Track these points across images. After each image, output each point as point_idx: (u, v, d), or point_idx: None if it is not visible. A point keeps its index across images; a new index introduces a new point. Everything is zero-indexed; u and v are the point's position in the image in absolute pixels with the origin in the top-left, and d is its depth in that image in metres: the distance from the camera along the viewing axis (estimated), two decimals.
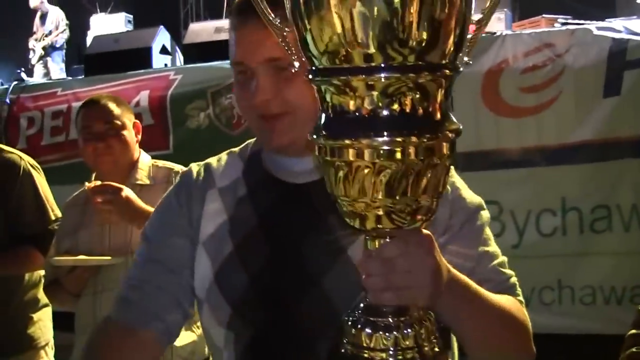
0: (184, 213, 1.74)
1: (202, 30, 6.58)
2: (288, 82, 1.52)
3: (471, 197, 1.65)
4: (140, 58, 6.52)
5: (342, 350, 1.20)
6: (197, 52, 6.35)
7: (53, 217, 3.48)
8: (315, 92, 1.10)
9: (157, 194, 2.96)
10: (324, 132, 1.06)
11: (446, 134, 1.04)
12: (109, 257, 2.99)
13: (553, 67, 4.47)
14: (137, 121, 3.20)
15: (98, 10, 12.93)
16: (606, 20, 5.01)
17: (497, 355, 1.56)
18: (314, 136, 1.08)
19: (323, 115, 1.08)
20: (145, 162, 3.21)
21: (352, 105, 1.03)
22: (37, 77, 11.12)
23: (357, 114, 1.02)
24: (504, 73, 4.58)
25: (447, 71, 1.03)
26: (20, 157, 3.49)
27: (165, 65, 6.76)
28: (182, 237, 1.72)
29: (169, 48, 6.93)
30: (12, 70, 11.82)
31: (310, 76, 1.07)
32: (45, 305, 3.62)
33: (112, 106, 3.10)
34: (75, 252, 3.11)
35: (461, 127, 1.06)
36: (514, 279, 1.63)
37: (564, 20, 6.22)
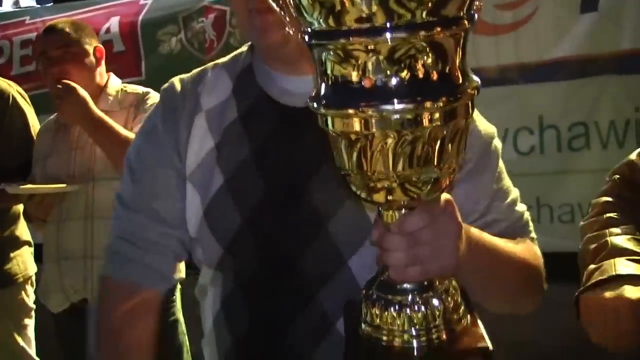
0: (171, 143, 1.57)
1: None
2: None
3: (486, 127, 1.58)
4: None
5: (361, 332, 1.12)
6: None
7: None
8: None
9: (122, 118, 2.94)
10: (324, 102, 0.96)
11: (467, 93, 0.94)
12: (64, 185, 2.95)
13: None
14: (100, 46, 3.15)
15: None
16: None
17: (510, 303, 1.59)
18: (314, 104, 0.97)
19: (323, 85, 0.97)
20: (113, 86, 3.16)
21: (354, 75, 0.91)
22: (6, 6, 10.90)
23: (361, 83, 0.91)
24: None
25: (466, 22, 0.93)
26: (9, 85, 3.49)
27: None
28: (170, 173, 1.57)
29: None
30: None
31: (306, 38, 0.95)
32: (26, 243, 3.61)
33: (70, 31, 3.05)
34: (44, 177, 3.09)
35: (480, 82, 0.98)
36: (527, 215, 1.63)
37: None
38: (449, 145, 0.97)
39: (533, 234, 1.64)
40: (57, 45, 3.06)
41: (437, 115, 0.92)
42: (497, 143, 1.60)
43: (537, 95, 4.35)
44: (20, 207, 3.57)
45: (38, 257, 3.62)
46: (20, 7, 10.07)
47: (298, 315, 1.46)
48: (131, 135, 2.86)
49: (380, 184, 0.99)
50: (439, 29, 0.89)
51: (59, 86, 2.93)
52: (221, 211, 1.50)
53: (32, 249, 3.70)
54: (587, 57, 4.27)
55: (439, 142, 0.95)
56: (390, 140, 0.93)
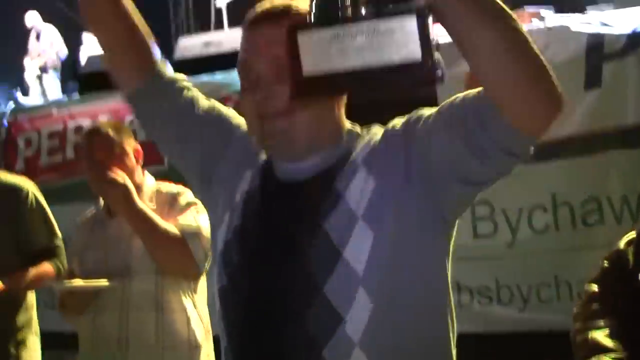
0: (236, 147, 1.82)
1: (192, 44, 6.65)
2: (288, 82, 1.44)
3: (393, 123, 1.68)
4: None
5: None
6: (188, 67, 6.35)
7: (58, 234, 3.80)
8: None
9: (157, 215, 3.10)
10: None
11: None
12: (106, 282, 3.09)
13: None
14: (139, 147, 3.32)
15: None
16: (584, 12, 5.09)
17: (514, 84, 1.37)
18: None
19: None
20: (149, 185, 3.32)
21: None
22: (34, 96, 11.25)
23: None
24: None
25: None
26: (26, 181, 3.78)
27: None
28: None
29: None
30: (8, 90, 11.93)
31: None
32: (35, 332, 3.80)
33: (113, 134, 3.22)
34: (82, 271, 3.23)
35: None
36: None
37: (545, 11, 6.25)
38: None
39: None
40: (102, 148, 3.23)
41: None
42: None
43: (548, 173, 4.44)
44: (33, 297, 3.79)
45: (68, 347, 3.75)
46: (47, 97, 10.46)
47: None
48: (171, 228, 3.01)
49: None
50: None
51: (109, 174, 3.09)
52: (230, 248, 1.73)
53: (38, 339, 3.86)
54: (594, 132, 4.38)
55: None
56: None
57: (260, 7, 1.69)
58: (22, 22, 12.15)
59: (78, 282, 3.17)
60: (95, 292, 3.14)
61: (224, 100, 5.28)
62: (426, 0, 1.21)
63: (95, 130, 3.33)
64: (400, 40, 1.16)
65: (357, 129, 1.72)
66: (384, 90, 1.23)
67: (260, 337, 1.64)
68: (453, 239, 1.66)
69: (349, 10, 1.22)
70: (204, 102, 1.85)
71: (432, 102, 1.62)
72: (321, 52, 1.19)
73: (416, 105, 1.61)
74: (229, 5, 8.95)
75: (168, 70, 1.87)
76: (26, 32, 12.26)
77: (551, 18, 5.35)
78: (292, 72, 1.23)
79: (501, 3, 1.32)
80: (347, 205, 1.59)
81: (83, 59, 12.01)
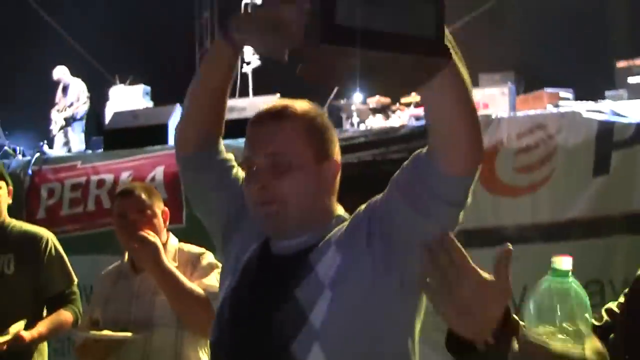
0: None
1: None
2: (283, 175, 1.90)
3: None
4: (157, 134, 6.76)
5: None
6: None
7: (75, 281, 4.04)
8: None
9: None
10: None
11: None
12: (130, 334, 3.24)
13: (546, 147, 4.71)
14: (166, 209, 3.53)
15: (117, 82, 13.26)
16: (603, 98, 5.27)
17: (458, 134, 1.60)
18: None
19: None
20: (172, 245, 3.50)
21: None
22: (58, 147, 11.46)
23: None
24: (499, 154, 4.83)
25: None
26: (44, 231, 3.99)
27: None
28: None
29: None
30: (34, 141, 12.14)
31: None
32: None
33: (145, 197, 3.43)
34: (104, 322, 3.38)
35: None
36: None
37: (564, 94, 6.46)
38: None
39: None
40: (134, 209, 3.43)
41: None
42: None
43: (552, 254, 4.54)
44: (45, 343, 3.96)
45: None
46: (71, 149, 10.66)
47: None
48: (196, 288, 3.18)
49: None
50: None
51: (140, 233, 3.26)
52: (222, 308, 2.06)
53: None
54: (600, 217, 4.52)
55: None
56: None
57: (263, 108, 2.00)
58: (49, 75, 12.41)
59: (103, 332, 3.33)
60: (118, 343, 3.29)
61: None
62: None
63: (128, 191, 3.52)
64: (422, 17, 1.29)
65: (346, 215, 2.01)
66: (400, 56, 1.29)
67: None
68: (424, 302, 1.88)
69: None
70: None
71: None
72: (354, 9, 1.24)
73: None
74: (254, 72, 9.25)
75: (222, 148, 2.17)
76: (54, 85, 12.52)
77: (567, 102, 5.54)
78: (323, 20, 1.25)
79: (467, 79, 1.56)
80: (317, 276, 1.88)
81: (108, 114, 12.31)
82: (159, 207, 3.50)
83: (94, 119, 12.80)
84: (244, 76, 9.55)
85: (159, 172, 6.03)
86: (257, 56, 9.35)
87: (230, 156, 2.21)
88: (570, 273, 1.58)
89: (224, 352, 2.00)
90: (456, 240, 1.61)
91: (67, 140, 11.93)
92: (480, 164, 1.70)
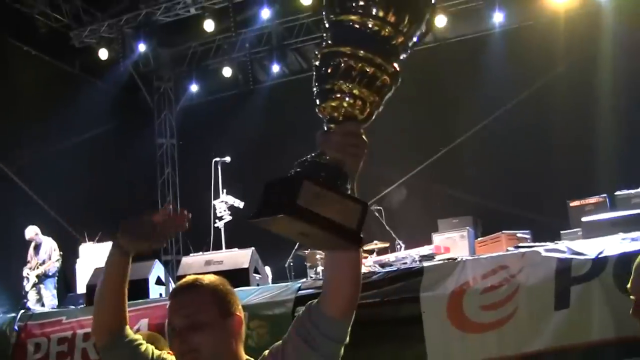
0: None
1: (194, 263, 7.26)
2: (196, 330, 2.47)
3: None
4: (138, 289, 7.04)
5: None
6: None
7: None
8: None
9: None
10: None
11: None
12: None
13: (509, 286, 5.07)
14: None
15: (87, 239, 13.52)
16: (559, 239, 5.70)
17: (352, 263, 2.22)
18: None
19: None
20: None
21: None
22: (31, 304, 11.62)
23: None
24: (466, 293, 5.18)
25: None
26: None
27: (160, 295, 7.34)
28: None
29: (163, 279, 7.55)
30: (7, 298, 12.30)
31: None
32: None
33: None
34: None
35: None
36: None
37: (521, 235, 6.92)
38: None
39: None
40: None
41: None
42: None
43: None
44: None
45: None
46: (44, 305, 10.86)
47: None
48: None
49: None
50: None
51: None
52: None
53: None
54: (562, 348, 4.86)
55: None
56: None
57: (179, 282, 2.64)
58: (22, 235, 12.67)
59: None
60: None
61: None
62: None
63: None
64: (352, 213, 1.91)
65: None
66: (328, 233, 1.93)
67: None
68: None
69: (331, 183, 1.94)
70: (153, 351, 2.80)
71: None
72: (312, 196, 1.88)
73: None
74: (225, 226, 9.68)
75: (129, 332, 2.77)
76: (25, 244, 12.76)
77: (525, 243, 5.97)
78: (289, 198, 1.90)
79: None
80: None
81: (79, 271, 12.55)
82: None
83: (62, 277, 12.98)
84: (217, 230, 9.97)
85: (143, 324, 6.29)
86: (228, 212, 9.79)
87: (137, 336, 2.79)
88: None
89: None
90: None
91: (40, 296, 12.12)
92: (353, 312, 2.29)
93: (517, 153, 12.94)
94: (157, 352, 2.83)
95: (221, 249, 9.37)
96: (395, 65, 1.94)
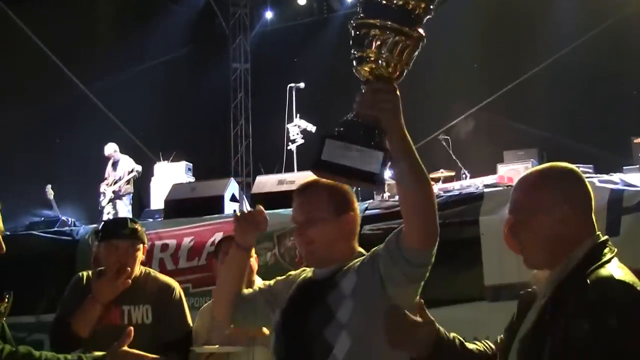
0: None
1: (267, 181, 7.60)
2: (311, 225, 2.89)
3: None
4: (214, 204, 7.50)
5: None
6: (263, 200, 6.97)
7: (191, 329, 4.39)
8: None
9: None
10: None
11: None
12: (240, 347, 4.09)
13: None
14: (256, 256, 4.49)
15: (161, 158, 14.03)
16: (610, 173, 5.89)
17: (418, 206, 2.51)
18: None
19: None
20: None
21: None
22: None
23: None
24: None
25: None
26: (174, 281, 4.43)
27: (234, 211, 7.65)
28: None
29: (237, 196, 7.93)
30: (83, 212, 12.86)
31: None
32: None
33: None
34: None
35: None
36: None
37: (584, 169, 7.11)
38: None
39: None
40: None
41: None
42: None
43: None
44: None
45: None
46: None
47: None
48: None
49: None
50: None
51: None
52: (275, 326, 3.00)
53: None
54: None
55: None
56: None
57: (301, 183, 3.03)
58: (102, 152, 13.19)
59: (215, 347, 4.14)
60: (226, 356, 4.09)
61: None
62: (389, 148, 2.34)
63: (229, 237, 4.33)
64: (372, 159, 2.25)
65: (363, 252, 2.96)
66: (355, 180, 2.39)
67: None
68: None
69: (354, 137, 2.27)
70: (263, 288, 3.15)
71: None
72: (334, 150, 2.27)
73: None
74: (297, 149, 10.01)
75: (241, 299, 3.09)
76: (99, 161, 13.30)
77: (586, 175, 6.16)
78: (316, 156, 2.32)
79: (426, 174, 2.50)
80: (341, 289, 2.80)
81: (153, 189, 13.02)
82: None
83: (136, 193, 13.49)
84: (289, 153, 10.37)
85: (218, 237, 6.51)
86: (300, 135, 10.12)
87: (253, 290, 3.11)
88: None
89: (280, 337, 2.91)
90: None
91: (116, 212, 12.62)
92: (436, 241, 2.59)
93: (585, 89, 12.91)
94: (266, 283, 3.20)
95: (293, 171, 9.75)
96: (420, 30, 2.25)
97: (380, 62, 2.24)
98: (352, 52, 2.29)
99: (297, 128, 10.33)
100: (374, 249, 2.83)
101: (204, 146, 16.70)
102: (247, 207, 8.15)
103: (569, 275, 2.27)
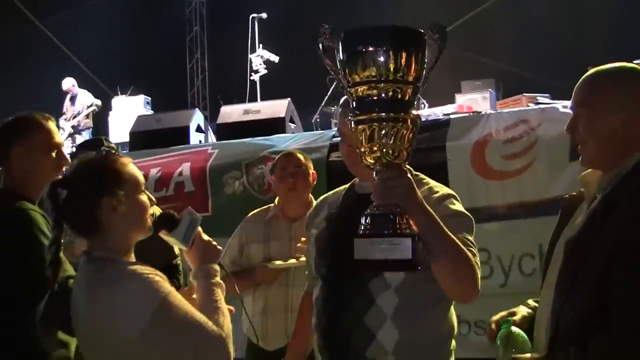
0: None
1: (233, 111, 7.60)
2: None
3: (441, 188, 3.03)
4: (179, 135, 7.51)
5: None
6: (229, 130, 7.29)
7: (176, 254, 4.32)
8: None
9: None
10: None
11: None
12: (297, 262, 4.14)
13: (528, 138, 5.43)
14: (314, 173, 4.48)
15: (119, 93, 13.91)
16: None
17: (450, 272, 2.55)
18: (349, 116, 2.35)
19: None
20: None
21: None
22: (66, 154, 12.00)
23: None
24: (489, 144, 5.55)
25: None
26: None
27: (200, 141, 7.75)
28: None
29: (202, 127, 7.95)
30: None
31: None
32: None
33: (302, 158, 4.43)
34: (268, 257, 4.34)
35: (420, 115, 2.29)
36: (477, 256, 2.71)
37: (541, 99, 7.23)
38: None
39: (477, 259, 2.70)
40: (292, 165, 4.38)
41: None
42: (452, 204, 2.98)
43: (536, 227, 5.27)
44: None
45: None
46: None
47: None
48: None
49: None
50: None
51: None
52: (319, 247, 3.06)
53: None
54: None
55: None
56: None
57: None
58: (60, 87, 13.01)
59: (281, 262, 4.23)
60: (286, 269, 4.22)
61: (263, 159, 6.22)
62: (417, 232, 2.32)
63: (289, 152, 4.57)
64: (402, 247, 2.25)
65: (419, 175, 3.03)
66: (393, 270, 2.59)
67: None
68: None
69: (379, 229, 2.31)
70: None
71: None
72: (365, 247, 2.31)
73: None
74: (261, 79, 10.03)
75: None
76: (62, 95, 13.17)
77: (545, 102, 6.28)
78: (351, 257, 2.32)
79: (455, 242, 2.52)
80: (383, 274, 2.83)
81: (111, 123, 12.94)
82: (311, 169, 4.43)
83: (95, 128, 13.38)
84: (253, 83, 10.35)
85: (185, 167, 6.67)
86: (263, 66, 10.12)
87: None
88: None
89: (321, 313, 2.94)
90: None
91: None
92: (474, 298, 2.69)
93: (543, 20, 13.01)
94: None
95: (256, 101, 9.76)
96: (413, 112, 2.31)
97: (384, 150, 2.29)
98: (357, 148, 2.37)
99: (260, 58, 10.32)
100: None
101: (161, 80, 16.55)
102: (212, 138, 8.18)
103: (623, 179, 2.29)
